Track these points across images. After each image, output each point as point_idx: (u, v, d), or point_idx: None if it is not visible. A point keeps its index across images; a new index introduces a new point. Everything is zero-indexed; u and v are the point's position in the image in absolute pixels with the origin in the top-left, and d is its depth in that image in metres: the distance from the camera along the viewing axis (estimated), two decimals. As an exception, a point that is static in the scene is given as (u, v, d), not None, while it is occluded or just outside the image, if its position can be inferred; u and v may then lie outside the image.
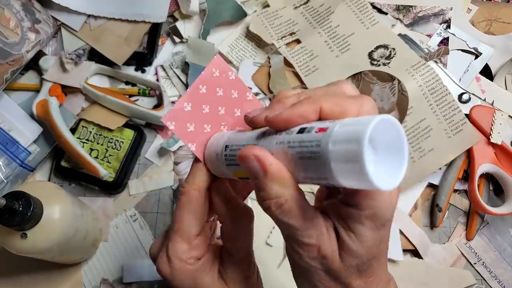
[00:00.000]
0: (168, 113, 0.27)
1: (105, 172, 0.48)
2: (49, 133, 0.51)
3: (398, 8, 0.60)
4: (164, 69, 0.57)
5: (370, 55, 0.55)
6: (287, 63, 0.56)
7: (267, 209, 0.24)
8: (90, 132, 0.52)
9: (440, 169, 0.52)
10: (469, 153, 0.52)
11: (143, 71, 0.57)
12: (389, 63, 0.54)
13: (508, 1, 0.64)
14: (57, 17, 0.54)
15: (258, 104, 0.30)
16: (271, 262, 0.49)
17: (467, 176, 0.52)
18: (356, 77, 0.55)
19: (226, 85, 0.29)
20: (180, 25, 0.58)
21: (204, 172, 0.28)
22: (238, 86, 0.29)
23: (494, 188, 0.53)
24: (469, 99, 0.54)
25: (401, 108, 0.54)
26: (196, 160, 0.28)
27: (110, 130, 0.51)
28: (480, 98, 0.55)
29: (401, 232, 0.50)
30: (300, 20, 0.58)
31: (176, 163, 0.53)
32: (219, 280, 0.28)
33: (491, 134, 0.52)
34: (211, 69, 0.29)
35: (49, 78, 0.52)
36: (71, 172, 0.51)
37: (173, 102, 0.55)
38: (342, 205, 0.23)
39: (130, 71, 0.57)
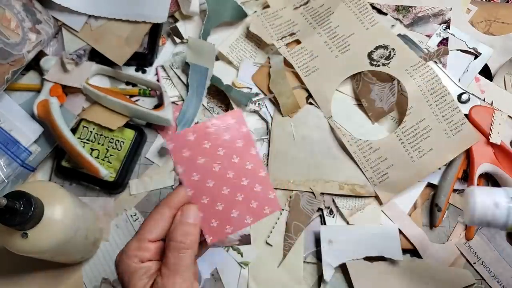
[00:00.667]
0: (172, 135, 0.30)
1: (106, 172, 0.48)
2: (50, 133, 0.51)
3: (397, 9, 0.60)
4: (164, 70, 0.57)
5: (369, 55, 0.55)
6: (287, 63, 0.56)
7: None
8: (91, 132, 0.52)
9: (439, 169, 0.52)
10: (468, 153, 0.52)
11: (144, 72, 0.57)
12: (388, 63, 0.54)
13: (508, 2, 0.64)
14: (58, 17, 0.54)
15: (259, 159, 0.32)
16: (271, 261, 0.49)
17: (466, 176, 0.52)
18: (356, 78, 0.55)
19: (235, 133, 0.32)
20: (180, 25, 0.58)
21: (181, 197, 0.31)
22: (246, 138, 0.32)
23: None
24: (469, 99, 0.54)
25: (400, 108, 0.54)
26: (180, 183, 0.31)
27: (110, 130, 0.51)
28: (480, 98, 0.55)
29: (400, 232, 0.50)
30: (300, 20, 0.58)
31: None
32: None
33: (490, 134, 0.52)
34: (226, 116, 0.32)
35: (50, 78, 0.52)
36: (71, 172, 0.51)
37: (173, 103, 0.55)
38: None
39: (131, 71, 0.57)
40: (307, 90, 0.55)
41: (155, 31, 0.57)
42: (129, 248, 0.30)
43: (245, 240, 0.50)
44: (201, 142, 0.31)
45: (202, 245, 0.33)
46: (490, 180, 0.53)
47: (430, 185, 0.53)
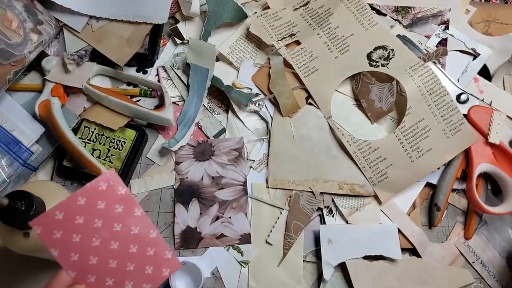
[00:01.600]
0: (38, 218, 0.28)
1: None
2: (51, 133, 0.51)
3: (396, 9, 0.61)
4: (165, 70, 0.58)
5: (369, 56, 0.55)
6: (287, 64, 0.56)
7: None
8: (92, 132, 0.52)
9: (438, 168, 0.52)
10: (467, 153, 0.52)
11: (145, 72, 0.58)
12: (387, 64, 0.54)
13: (506, 2, 0.64)
14: (59, 18, 0.55)
15: (146, 220, 0.30)
16: (271, 260, 0.49)
17: (465, 175, 0.53)
18: (355, 78, 0.55)
19: (111, 199, 0.29)
20: (181, 26, 0.59)
21: (63, 280, 0.29)
22: (126, 201, 0.29)
23: (492, 187, 0.53)
24: (467, 100, 0.54)
25: (399, 108, 0.54)
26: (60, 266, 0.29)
27: (112, 130, 0.51)
28: (478, 99, 0.55)
29: (399, 231, 0.50)
30: (300, 21, 0.59)
31: (177, 163, 0.53)
32: None
33: (489, 134, 0.52)
34: (98, 182, 0.29)
35: (51, 79, 0.52)
36: (73, 171, 0.51)
37: (174, 103, 0.56)
38: None
39: (132, 72, 0.57)
40: (306, 91, 0.55)
41: (156, 32, 0.57)
42: None
43: (245, 239, 0.50)
44: (72, 218, 0.29)
45: None
46: (489, 180, 0.54)
47: (429, 184, 0.53)
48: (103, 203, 0.29)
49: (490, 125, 0.52)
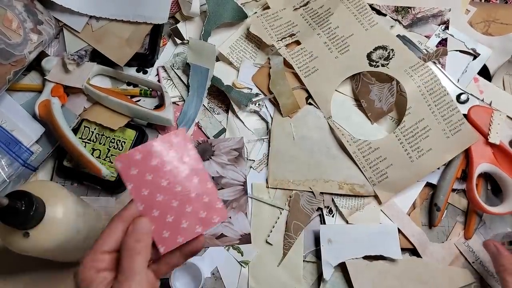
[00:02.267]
0: (120, 155, 0.32)
1: (107, 172, 0.49)
2: (51, 133, 0.51)
3: (396, 10, 0.61)
4: (165, 70, 0.58)
5: (369, 56, 0.55)
6: (287, 64, 0.56)
7: None
8: (92, 132, 0.52)
9: (438, 168, 0.52)
10: (467, 153, 0.52)
11: (145, 72, 0.58)
12: (387, 64, 0.54)
13: (506, 2, 0.64)
14: (59, 18, 0.55)
15: (205, 173, 0.35)
16: (271, 260, 0.49)
17: (465, 175, 0.53)
18: (355, 78, 0.55)
19: (181, 150, 0.34)
20: (181, 26, 0.59)
21: (132, 211, 0.33)
22: (191, 155, 0.34)
23: (492, 187, 0.53)
24: (467, 100, 0.54)
25: (399, 108, 0.54)
26: (132, 200, 0.33)
27: (112, 130, 0.52)
28: (478, 99, 0.55)
29: (399, 231, 0.50)
30: (300, 21, 0.59)
31: (177, 163, 0.53)
32: None
33: (489, 134, 0.52)
34: (170, 135, 0.34)
35: (51, 79, 0.52)
36: (73, 171, 0.51)
37: (174, 103, 0.56)
38: None
39: (132, 72, 0.57)
40: (306, 91, 0.55)
41: (156, 32, 0.57)
42: (85, 260, 0.32)
43: (245, 239, 0.50)
44: (148, 160, 0.33)
45: (161, 263, 0.35)
46: (489, 180, 0.54)
47: (429, 184, 0.53)
48: (174, 152, 0.34)
49: (490, 125, 0.52)
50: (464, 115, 0.53)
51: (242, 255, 0.50)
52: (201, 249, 0.36)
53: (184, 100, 0.56)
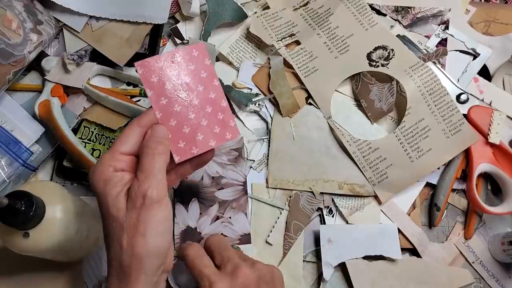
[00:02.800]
0: (142, 61, 0.33)
1: (107, 172, 0.49)
2: (51, 133, 0.51)
3: (396, 9, 0.61)
4: (165, 70, 0.57)
5: (369, 56, 0.55)
6: (287, 64, 0.56)
7: None
8: (92, 132, 0.52)
9: (438, 168, 0.52)
10: (467, 153, 0.52)
11: (144, 72, 0.57)
12: (387, 64, 0.54)
13: (506, 2, 0.64)
14: (59, 18, 0.55)
15: (221, 90, 0.36)
16: (271, 261, 0.49)
17: (465, 175, 0.53)
18: (355, 78, 0.55)
19: (199, 65, 0.35)
20: (181, 26, 0.59)
21: (151, 117, 0.34)
22: (209, 70, 0.35)
23: (492, 187, 0.53)
24: (467, 100, 0.54)
25: (399, 108, 0.54)
26: (151, 107, 0.34)
27: (112, 130, 0.52)
28: (478, 99, 0.55)
29: (399, 231, 0.50)
30: (300, 21, 0.59)
31: (177, 163, 0.53)
32: (123, 197, 0.31)
33: (489, 134, 0.52)
34: (192, 49, 0.35)
35: (51, 79, 0.52)
36: (73, 172, 0.51)
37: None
38: None
39: (132, 72, 0.57)
40: (306, 91, 0.55)
41: (156, 31, 0.57)
42: (103, 158, 0.32)
43: (245, 239, 0.50)
44: (168, 69, 0.34)
45: (171, 172, 0.36)
46: (489, 180, 0.54)
47: (429, 184, 0.53)
48: (193, 65, 0.35)
49: (490, 125, 0.52)
50: (464, 115, 0.53)
51: (242, 255, 0.50)
52: (209, 160, 0.37)
53: (184, 100, 0.56)
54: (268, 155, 0.53)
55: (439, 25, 0.60)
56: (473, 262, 0.50)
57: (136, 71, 0.34)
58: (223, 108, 0.36)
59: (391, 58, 0.54)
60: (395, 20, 0.60)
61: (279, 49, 0.56)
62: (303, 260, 0.50)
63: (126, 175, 0.32)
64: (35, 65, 0.54)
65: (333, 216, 0.51)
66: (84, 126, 0.52)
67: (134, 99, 0.56)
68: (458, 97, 0.54)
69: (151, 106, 0.34)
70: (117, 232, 0.31)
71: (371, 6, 0.59)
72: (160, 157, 0.32)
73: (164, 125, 0.34)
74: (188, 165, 0.37)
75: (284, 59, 0.56)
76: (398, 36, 0.57)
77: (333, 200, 0.52)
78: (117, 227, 0.31)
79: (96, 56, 0.55)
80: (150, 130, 0.33)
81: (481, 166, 0.52)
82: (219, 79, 0.37)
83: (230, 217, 0.51)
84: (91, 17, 0.55)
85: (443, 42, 0.59)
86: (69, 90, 0.53)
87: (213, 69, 0.35)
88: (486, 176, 0.53)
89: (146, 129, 0.33)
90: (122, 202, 0.31)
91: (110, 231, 0.31)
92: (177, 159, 0.34)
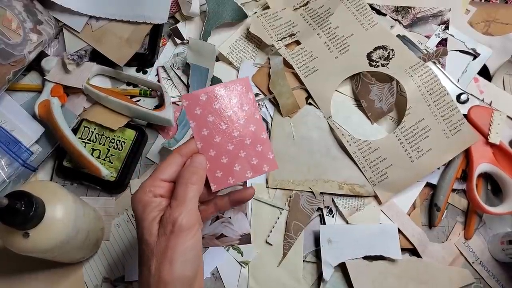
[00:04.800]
0: (188, 94, 0.35)
1: (107, 172, 0.49)
2: (51, 133, 0.51)
3: (396, 9, 0.61)
4: (165, 70, 0.58)
5: (369, 56, 0.55)
6: (287, 64, 0.56)
7: None
8: (92, 132, 0.52)
9: (438, 169, 0.52)
10: (467, 153, 0.52)
11: (145, 72, 0.58)
12: (387, 64, 0.54)
13: (506, 2, 0.64)
14: (59, 18, 0.55)
15: (261, 123, 0.37)
16: (271, 261, 0.49)
17: (465, 175, 0.53)
18: (355, 78, 0.55)
19: (242, 98, 0.37)
20: (181, 26, 0.59)
21: (192, 147, 0.36)
22: (251, 104, 0.37)
23: (492, 187, 0.53)
24: (467, 100, 0.54)
25: (399, 108, 0.54)
26: (192, 137, 0.36)
27: (112, 130, 0.51)
28: (479, 99, 0.55)
29: (399, 231, 0.50)
30: (300, 21, 0.59)
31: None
32: (157, 222, 0.33)
33: (489, 134, 0.52)
34: (235, 83, 0.37)
35: (51, 79, 0.52)
36: (73, 172, 0.51)
37: (174, 103, 0.56)
38: None
39: (132, 72, 0.57)
40: (306, 91, 0.55)
41: (155, 32, 0.57)
42: (144, 184, 0.34)
43: (245, 239, 0.50)
44: (211, 102, 0.36)
45: (210, 203, 0.38)
46: (489, 180, 0.54)
47: (429, 184, 0.53)
48: (236, 99, 0.36)
49: (490, 125, 0.52)
50: (464, 115, 0.53)
51: (242, 255, 0.50)
52: (249, 199, 0.39)
53: (184, 100, 0.56)
54: (268, 155, 0.53)
55: (439, 25, 0.60)
56: (473, 262, 0.50)
57: (182, 103, 0.36)
58: (263, 140, 0.37)
59: (391, 58, 0.54)
60: (395, 20, 0.60)
61: (279, 49, 0.56)
62: (303, 260, 0.50)
63: (163, 201, 0.34)
64: (35, 65, 0.54)
65: (333, 216, 0.51)
66: (84, 126, 0.52)
67: (134, 99, 0.56)
68: (458, 97, 0.54)
69: (193, 136, 0.36)
70: (148, 256, 0.32)
71: (371, 6, 0.59)
72: (193, 187, 0.33)
73: (204, 155, 0.35)
74: (227, 199, 0.38)
75: (284, 59, 0.56)
76: (398, 36, 0.57)
77: (333, 200, 0.51)
78: (148, 252, 0.32)
79: (96, 56, 0.55)
80: (190, 160, 0.35)
81: (481, 166, 0.52)
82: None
83: (230, 217, 0.51)
84: (91, 17, 0.55)
85: (443, 42, 0.59)
86: (69, 90, 0.53)
87: (255, 103, 0.37)
88: (486, 176, 0.53)
89: (186, 158, 0.35)
90: (155, 228, 0.32)
91: (142, 255, 0.32)
92: (213, 188, 0.35)
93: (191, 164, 0.34)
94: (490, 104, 0.55)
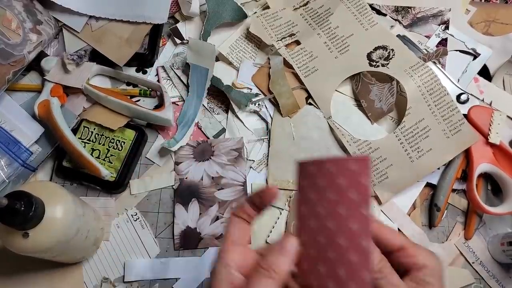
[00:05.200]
0: (303, 161, 0.29)
1: (107, 172, 0.49)
2: (50, 133, 0.51)
3: (397, 9, 0.60)
4: (165, 70, 0.57)
5: (369, 56, 0.55)
6: (286, 64, 0.56)
7: None
8: (92, 132, 0.52)
9: (438, 169, 0.52)
10: (467, 153, 0.52)
11: (144, 72, 0.57)
12: (388, 64, 0.54)
13: (506, 2, 0.64)
14: (58, 18, 0.55)
15: (367, 223, 0.26)
16: (271, 261, 0.49)
17: (465, 176, 0.53)
18: (355, 78, 0.55)
19: (352, 182, 0.27)
20: (181, 26, 0.59)
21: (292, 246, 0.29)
22: (362, 192, 0.26)
23: (492, 188, 0.53)
24: (468, 100, 0.54)
25: (399, 108, 0.54)
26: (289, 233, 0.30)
27: (111, 130, 0.51)
28: (479, 99, 0.55)
29: (399, 231, 0.50)
30: (300, 21, 0.59)
31: (177, 163, 0.53)
32: None
33: (489, 134, 0.52)
34: (348, 161, 0.27)
35: (50, 79, 0.52)
36: (72, 172, 0.51)
37: (174, 103, 0.56)
38: None
39: (131, 72, 0.57)
40: (306, 91, 0.55)
41: (155, 31, 0.57)
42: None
43: (245, 239, 0.50)
44: (316, 176, 0.28)
45: None
46: (489, 180, 0.53)
47: (429, 185, 0.53)
48: (345, 180, 0.27)
49: (490, 125, 0.52)
50: (464, 115, 0.53)
51: (242, 256, 0.50)
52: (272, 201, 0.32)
53: (183, 100, 0.56)
54: (268, 155, 0.53)
55: (439, 25, 0.60)
56: (473, 262, 0.50)
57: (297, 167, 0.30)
58: (362, 249, 0.25)
59: (391, 58, 0.54)
60: (395, 20, 0.60)
61: (279, 49, 0.56)
62: (303, 261, 0.49)
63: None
64: (35, 65, 0.54)
65: (333, 216, 0.51)
66: (84, 126, 0.52)
67: (134, 99, 0.56)
68: (458, 97, 0.54)
69: (299, 229, 0.29)
70: None
71: (371, 6, 0.59)
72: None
73: (296, 240, 0.28)
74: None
75: (284, 59, 0.56)
76: (398, 36, 0.57)
77: (333, 200, 0.51)
78: None
79: (95, 56, 0.55)
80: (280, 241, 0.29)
81: (481, 166, 0.52)
82: None
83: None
84: (90, 17, 0.55)
85: (443, 42, 0.59)
86: (68, 90, 0.53)
87: (367, 193, 0.26)
88: (486, 176, 0.53)
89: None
90: None
91: None
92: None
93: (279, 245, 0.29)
94: (490, 104, 0.55)
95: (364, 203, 0.26)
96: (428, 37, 0.59)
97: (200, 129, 0.55)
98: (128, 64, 0.55)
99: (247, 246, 0.31)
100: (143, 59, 0.57)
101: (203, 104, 0.56)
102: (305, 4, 0.59)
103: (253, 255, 0.30)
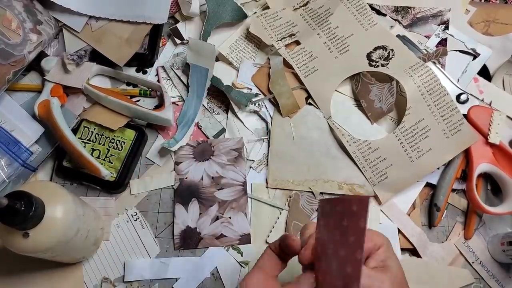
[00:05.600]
0: (323, 199, 0.31)
1: (107, 172, 0.49)
2: (51, 133, 0.51)
3: (396, 10, 0.61)
4: (165, 70, 0.57)
5: (368, 56, 0.55)
6: (286, 64, 0.56)
7: None
8: (92, 132, 0.52)
9: (438, 169, 0.52)
10: (467, 153, 0.52)
11: (144, 72, 0.58)
12: (387, 64, 0.54)
13: (506, 2, 0.64)
14: (58, 18, 0.55)
15: (358, 273, 0.26)
16: (271, 261, 0.49)
17: (465, 175, 0.53)
18: (355, 78, 0.55)
19: (351, 224, 0.28)
20: (181, 26, 0.59)
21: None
22: (358, 235, 0.27)
23: (492, 187, 0.53)
24: (467, 100, 0.54)
25: (399, 108, 0.54)
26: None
27: (111, 130, 0.51)
28: (478, 99, 0.55)
29: (399, 231, 0.50)
30: (300, 21, 0.59)
31: (177, 163, 0.53)
32: None
33: (489, 134, 0.52)
34: (351, 202, 0.28)
35: (51, 79, 0.52)
36: (72, 172, 0.51)
37: (174, 103, 0.56)
38: None
39: (131, 72, 0.57)
40: (306, 91, 0.55)
41: (155, 32, 0.57)
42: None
43: (245, 239, 0.50)
44: (330, 214, 0.29)
45: None
46: (489, 180, 0.54)
47: (429, 184, 0.53)
48: (348, 222, 0.28)
49: (490, 125, 0.52)
50: (464, 115, 0.53)
51: (241, 256, 0.50)
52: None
53: (183, 100, 0.56)
54: (268, 155, 0.53)
55: (439, 25, 0.60)
56: (473, 262, 0.50)
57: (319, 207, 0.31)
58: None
59: (391, 58, 0.54)
60: (395, 20, 0.60)
61: (279, 49, 0.56)
62: (303, 260, 0.49)
63: None
64: (35, 65, 0.54)
65: (333, 216, 0.51)
66: (84, 126, 0.52)
67: (134, 99, 0.56)
68: (458, 97, 0.54)
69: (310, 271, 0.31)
70: None
71: (371, 6, 0.59)
72: None
73: (313, 275, 0.31)
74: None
75: (284, 59, 0.56)
76: (398, 36, 0.57)
77: (333, 200, 0.51)
78: None
79: (96, 56, 0.55)
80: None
81: (481, 166, 0.52)
82: None
83: (230, 217, 0.51)
84: (90, 17, 0.55)
85: (443, 42, 0.59)
86: (68, 90, 0.53)
87: (363, 236, 0.26)
88: (486, 176, 0.53)
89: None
90: None
91: None
92: None
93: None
94: (490, 104, 0.55)
95: (359, 248, 0.27)
96: (428, 37, 0.59)
97: (200, 129, 0.55)
98: (128, 64, 0.55)
99: (274, 278, 0.35)
100: (143, 59, 0.57)
101: (203, 104, 0.56)
102: (305, 4, 0.59)
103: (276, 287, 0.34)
